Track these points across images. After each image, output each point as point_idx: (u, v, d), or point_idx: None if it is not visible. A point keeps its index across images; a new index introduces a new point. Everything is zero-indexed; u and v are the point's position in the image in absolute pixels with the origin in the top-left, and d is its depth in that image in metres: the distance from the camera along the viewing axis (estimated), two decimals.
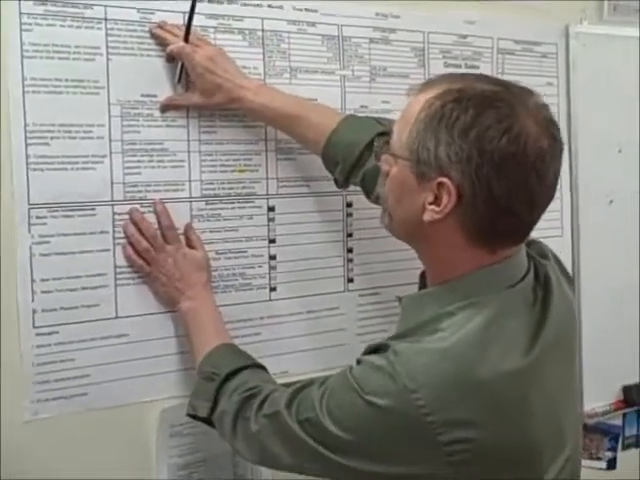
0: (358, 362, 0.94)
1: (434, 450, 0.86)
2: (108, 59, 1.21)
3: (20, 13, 1.13)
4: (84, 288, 1.21)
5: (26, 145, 1.15)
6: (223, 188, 1.32)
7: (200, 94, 1.24)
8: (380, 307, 1.47)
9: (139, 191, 1.24)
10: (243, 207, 1.34)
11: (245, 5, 1.32)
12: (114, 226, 1.22)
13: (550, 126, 0.90)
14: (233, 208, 1.33)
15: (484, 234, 0.91)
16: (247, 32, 1.33)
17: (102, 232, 1.22)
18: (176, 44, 1.21)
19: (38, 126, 1.16)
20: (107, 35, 1.20)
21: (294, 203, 1.38)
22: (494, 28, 1.60)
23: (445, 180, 0.88)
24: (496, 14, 1.61)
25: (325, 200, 1.41)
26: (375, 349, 0.94)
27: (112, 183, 1.22)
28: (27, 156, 1.15)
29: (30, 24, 1.14)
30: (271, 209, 1.36)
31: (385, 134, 1.12)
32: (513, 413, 0.89)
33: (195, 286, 1.23)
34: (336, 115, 1.28)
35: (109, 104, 1.21)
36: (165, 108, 1.25)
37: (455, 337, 0.88)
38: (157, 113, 1.25)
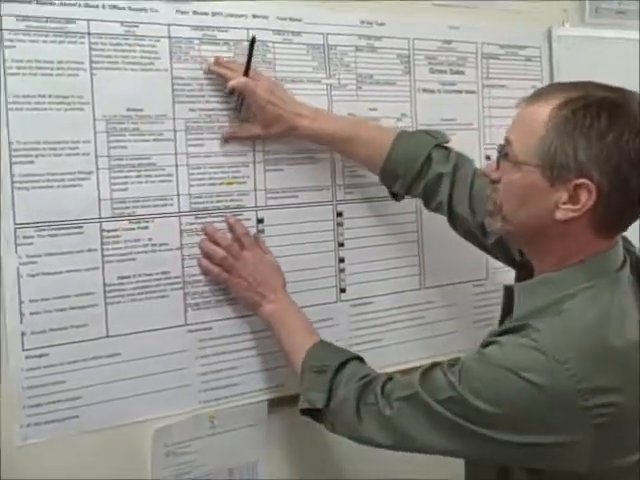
0: (490, 343, 1.01)
1: (581, 415, 0.95)
2: (92, 74, 1.18)
3: (1, 29, 1.11)
4: (73, 308, 1.18)
5: (11, 164, 1.13)
6: (212, 201, 1.30)
7: (261, 125, 1.29)
8: (373, 317, 1.46)
9: (127, 207, 1.22)
10: None
11: (230, 16, 1.31)
12: (102, 243, 1.20)
13: None
14: (222, 221, 1.31)
15: (612, 225, 1.01)
16: (232, 43, 1.31)
17: (90, 250, 1.19)
18: (237, 79, 1.25)
19: (22, 144, 1.13)
20: (90, 49, 1.18)
21: (283, 214, 1.37)
22: (478, 33, 1.60)
23: (585, 181, 0.96)
24: (479, 19, 1.60)
25: (315, 210, 1.40)
26: (509, 330, 1.01)
27: (99, 200, 1.20)
28: (12, 175, 1.13)
29: (12, 40, 1.12)
30: (260, 221, 1.34)
31: (439, 146, 1.32)
32: (639, 380, 0.99)
33: (277, 289, 1.28)
34: (389, 132, 1.35)
35: (94, 119, 1.19)
36: (228, 140, 1.29)
37: (587, 314, 0.98)
38: (144, 127, 1.23)
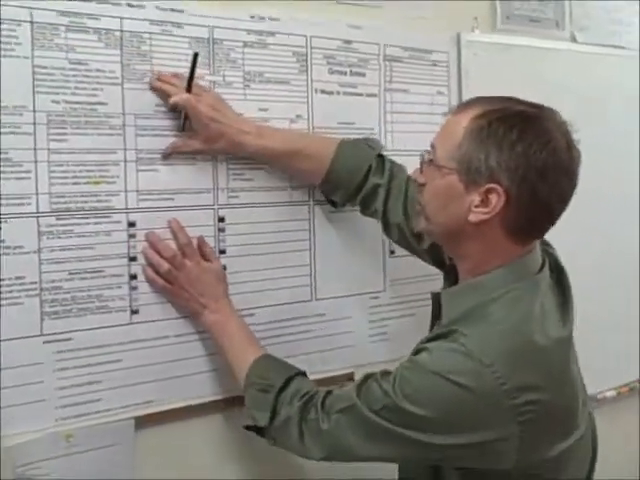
0: (420, 350, 1.06)
1: (508, 414, 1.00)
2: None
3: None
4: None
5: None
6: (76, 202, 1.20)
7: (203, 141, 1.28)
8: (255, 329, 1.36)
9: None
10: (99, 222, 1.23)
11: (102, 3, 1.22)
12: None
13: (571, 138, 1.06)
14: (88, 224, 1.21)
15: (523, 230, 1.06)
16: (103, 32, 1.22)
17: None
18: (179, 95, 1.23)
19: None
20: None
21: (157, 218, 1.27)
22: (381, 34, 1.53)
23: (495, 186, 1.02)
24: (383, 20, 1.54)
25: (194, 215, 1.31)
26: (437, 337, 1.06)
27: None
28: None
29: None
30: (131, 224, 1.25)
31: (379, 156, 1.37)
32: (563, 375, 1.08)
33: (218, 298, 1.29)
34: (330, 144, 1.36)
35: None
36: (168, 156, 1.27)
37: (511, 316, 1.04)
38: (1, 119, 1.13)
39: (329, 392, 1.13)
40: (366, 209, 1.39)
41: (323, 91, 1.46)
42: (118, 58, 1.23)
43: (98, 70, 1.21)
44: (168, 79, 1.26)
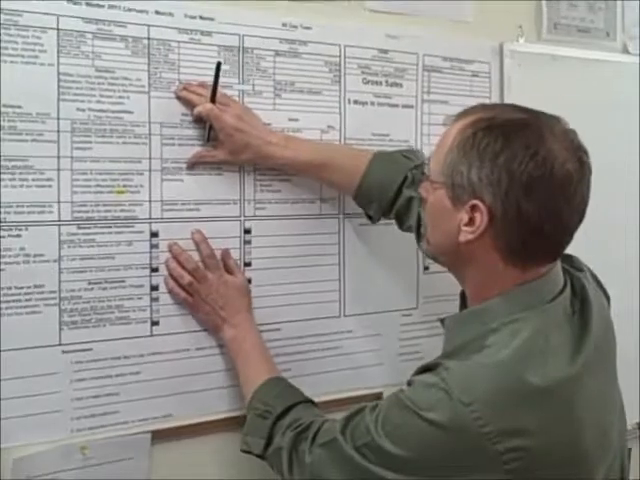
0: (409, 383, 0.97)
1: (491, 460, 0.88)
2: None
3: None
4: None
5: None
6: (98, 211, 1.19)
7: (229, 152, 1.25)
8: (281, 344, 1.34)
9: None
10: (121, 232, 1.21)
11: (129, 10, 1.20)
12: None
13: (577, 150, 0.94)
14: (110, 233, 1.20)
15: (517, 253, 0.95)
16: (131, 40, 1.20)
17: None
18: (203, 105, 1.21)
19: None
20: None
21: (181, 228, 1.25)
22: (419, 43, 1.48)
23: (477, 202, 0.93)
24: (422, 28, 1.49)
25: (219, 226, 1.29)
26: (426, 369, 0.97)
27: None
28: None
29: None
30: (154, 234, 1.23)
31: (417, 167, 1.28)
32: (562, 419, 0.93)
33: (239, 313, 1.26)
34: (363, 156, 1.31)
35: None
36: (192, 166, 1.25)
37: (504, 351, 0.91)
38: (22, 126, 1.13)
39: (325, 422, 1.07)
40: (402, 224, 1.33)
41: (356, 101, 1.42)
42: (145, 67, 1.21)
43: (124, 78, 1.20)
44: (194, 89, 1.24)
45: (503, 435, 0.88)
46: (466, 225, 0.95)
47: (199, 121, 1.25)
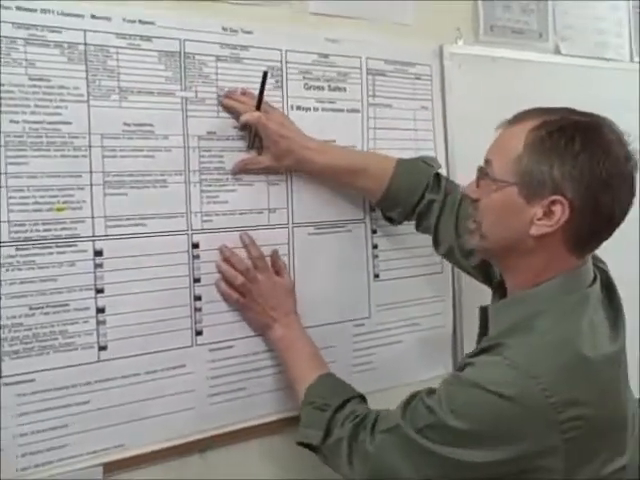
0: (465, 365, 1.04)
1: (553, 428, 0.96)
2: None
3: None
4: None
5: None
6: (37, 230, 1.11)
7: (273, 158, 1.30)
8: (235, 362, 1.28)
9: None
10: (63, 252, 1.13)
11: (64, 15, 1.13)
12: None
13: (627, 146, 1.05)
14: (51, 253, 1.12)
15: (583, 241, 1.05)
16: (66, 46, 1.13)
17: None
18: (251, 113, 1.25)
19: None
20: None
21: (127, 246, 1.18)
22: (362, 47, 1.45)
23: (559, 197, 1.00)
24: (364, 32, 1.46)
25: (166, 241, 1.22)
26: (483, 350, 1.04)
27: None
28: None
29: None
30: (98, 253, 1.16)
31: (437, 175, 1.38)
32: (611, 392, 1.04)
33: (288, 313, 1.30)
34: (389, 162, 1.37)
35: None
36: (237, 173, 1.29)
37: (559, 328, 1.01)
38: None
39: (381, 411, 1.12)
40: (420, 225, 1.40)
41: (299, 107, 1.38)
42: (83, 74, 1.14)
43: (61, 87, 1.13)
44: (237, 97, 1.27)
45: (565, 405, 0.96)
46: (540, 219, 1.02)
47: (244, 128, 1.27)
